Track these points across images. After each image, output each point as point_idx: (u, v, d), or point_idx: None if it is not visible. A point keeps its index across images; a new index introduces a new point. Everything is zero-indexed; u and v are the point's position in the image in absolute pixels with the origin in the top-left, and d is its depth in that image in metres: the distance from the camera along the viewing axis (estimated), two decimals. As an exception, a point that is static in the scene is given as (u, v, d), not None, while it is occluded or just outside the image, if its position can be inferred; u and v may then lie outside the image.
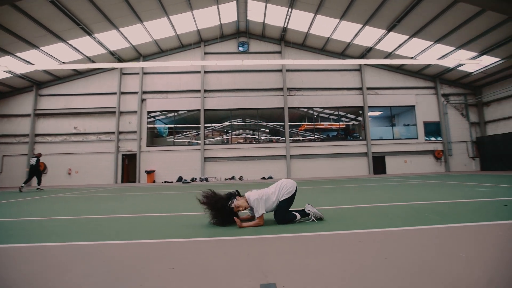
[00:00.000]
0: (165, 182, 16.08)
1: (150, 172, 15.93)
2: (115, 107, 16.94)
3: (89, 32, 13.98)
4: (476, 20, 12.68)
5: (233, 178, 16.51)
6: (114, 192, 8.81)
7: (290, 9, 14.96)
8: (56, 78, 17.03)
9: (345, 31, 15.88)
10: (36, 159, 10.95)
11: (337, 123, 18.87)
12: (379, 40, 15.90)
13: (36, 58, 14.74)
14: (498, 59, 14.98)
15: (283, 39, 18.26)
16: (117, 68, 17.13)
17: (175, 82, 17.60)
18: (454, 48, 14.94)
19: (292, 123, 17.96)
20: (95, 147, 16.66)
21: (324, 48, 18.15)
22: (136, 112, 16.98)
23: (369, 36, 15.82)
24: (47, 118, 16.85)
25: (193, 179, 15.95)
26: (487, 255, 1.73)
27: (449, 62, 15.83)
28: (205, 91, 17.57)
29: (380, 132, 18.12)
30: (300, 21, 15.95)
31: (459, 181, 8.26)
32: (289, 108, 17.74)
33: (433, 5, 12.46)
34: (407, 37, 14.95)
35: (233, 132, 18.20)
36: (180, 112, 17.81)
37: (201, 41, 17.92)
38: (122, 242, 2.29)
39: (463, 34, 13.80)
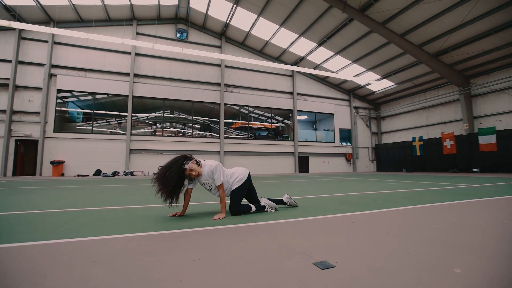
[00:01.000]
0: (78, 175, 13.61)
1: (57, 164, 13.16)
2: (7, 79, 13.28)
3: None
4: (382, 50, 15.66)
5: (163, 172, 15.35)
6: (13, 186, 6.96)
7: (235, 6, 15.02)
8: None
9: (283, 37, 17.01)
10: None
11: (269, 124, 20.01)
12: (311, 52, 17.70)
13: None
14: (393, 83, 18.89)
15: (224, 34, 18.14)
16: (14, 29, 13.46)
17: (98, 60, 15.10)
18: (365, 69, 18.02)
19: (226, 120, 18.01)
20: (-29, 128, 12.66)
21: (262, 51, 18.96)
22: (41, 88, 13.75)
23: (303, 46, 17.41)
24: None
25: (116, 173, 14.06)
26: (440, 223, 2.26)
27: (361, 80, 18.99)
28: (136, 75, 15.75)
29: (306, 134, 20.20)
30: (243, 19, 16.20)
31: (372, 179, 10.06)
32: (225, 104, 17.75)
33: (355, 30, 14.73)
34: (333, 53, 17.16)
35: (165, 124, 16.94)
36: (101, 96, 15.36)
37: (133, 18, 15.96)
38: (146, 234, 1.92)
39: (372, 59, 16.80)
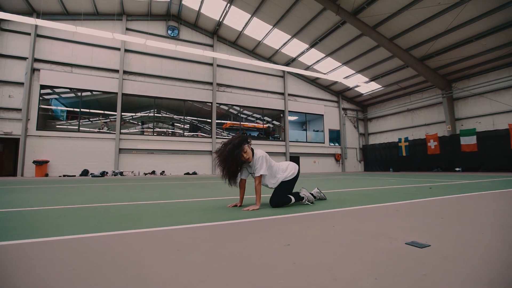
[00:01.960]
0: (64, 176, 12.90)
1: (41, 163, 12.40)
2: (-15, 73, 12.39)
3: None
4: (371, 53, 16.19)
5: (153, 172, 14.95)
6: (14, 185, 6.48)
7: (228, 4, 14.95)
8: None
9: (275, 38, 17.14)
10: None
11: (261, 124, 20.04)
12: (302, 53, 17.95)
13: None
14: (380, 86, 19.57)
15: (216, 33, 18.00)
16: (-8, 20, 12.59)
17: (85, 55, 14.44)
18: (354, 71, 18.53)
19: (217, 121, 17.81)
20: None
21: (254, 51, 18.99)
22: (22, 83, 12.93)
23: (294, 47, 17.62)
24: None
25: (104, 173, 13.47)
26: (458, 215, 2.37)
27: (350, 82, 19.51)
28: (125, 72, 15.22)
29: (296, 135, 20.43)
30: (236, 18, 16.15)
31: (366, 177, 10.34)
32: (217, 103, 17.59)
33: (347, 33, 15.13)
34: (324, 55, 17.52)
35: (155, 123, 16.49)
36: (87, 93, 14.68)
37: (123, 13, 15.44)
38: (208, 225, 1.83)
39: (362, 62, 17.32)
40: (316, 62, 18.38)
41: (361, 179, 8.37)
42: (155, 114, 16.53)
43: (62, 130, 13.85)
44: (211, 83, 17.57)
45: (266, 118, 20.45)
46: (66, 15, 14.20)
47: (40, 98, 13.42)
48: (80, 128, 14.15)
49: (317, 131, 21.55)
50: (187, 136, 16.88)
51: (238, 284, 0.93)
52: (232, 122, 19.13)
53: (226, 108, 18.57)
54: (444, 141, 16.06)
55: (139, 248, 1.37)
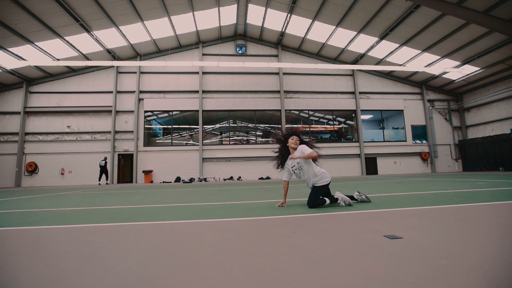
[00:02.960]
0: (163, 182, 15.96)
1: (147, 172, 15.76)
2: (111, 106, 16.64)
3: (87, 29, 13.75)
4: (460, 33, 13.77)
5: (231, 178, 16.68)
6: (122, 190, 8.76)
7: (289, 14, 15.48)
8: (48, 75, 16.49)
9: (340, 37, 16.63)
10: (104, 161, 14.89)
11: (331, 126, 19.56)
12: (372, 47, 16.77)
13: (29, 54, 14.26)
14: (478, 68, 16.28)
15: (280, 43, 18.78)
16: (113, 66, 16.87)
17: (173, 82, 17.59)
18: (439, 57, 16.06)
19: (287, 125, 18.40)
20: (89, 147, 16.25)
21: (319, 53, 18.85)
22: (133, 111, 16.78)
23: (362, 43, 16.65)
24: (38, 116, 16.24)
25: (192, 179, 15.94)
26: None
27: (434, 70, 16.96)
28: (204, 92, 17.69)
29: (372, 134, 19.01)
30: (298, 26, 16.52)
31: (455, 179, 8.96)
32: (285, 110, 18.22)
33: (423, 17, 13.41)
34: (398, 45, 15.90)
35: (231, 133, 18.40)
36: (176, 112, 17.76)
37: (199, 42, 18.05)
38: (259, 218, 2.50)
39: (448, 45, 14.90)
40: (389, 54, 16.83)
41: (455, 182, 7.38)
42: (231, 125, 18.48)
43: (160, 144, 17.21)
44: (278, 91, 18.40)
45: (338, 119, 19.86)
46: (158, 52, 17.68)
47: (144, 120, 17.07)
48: (173, 142, 17.21)
49: (397, 128, 19.46)
50: (260, 143, 18.11)
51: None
52: (302, 125, 19.38)
53: (297, 112, 19.01)
54: None
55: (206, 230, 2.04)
